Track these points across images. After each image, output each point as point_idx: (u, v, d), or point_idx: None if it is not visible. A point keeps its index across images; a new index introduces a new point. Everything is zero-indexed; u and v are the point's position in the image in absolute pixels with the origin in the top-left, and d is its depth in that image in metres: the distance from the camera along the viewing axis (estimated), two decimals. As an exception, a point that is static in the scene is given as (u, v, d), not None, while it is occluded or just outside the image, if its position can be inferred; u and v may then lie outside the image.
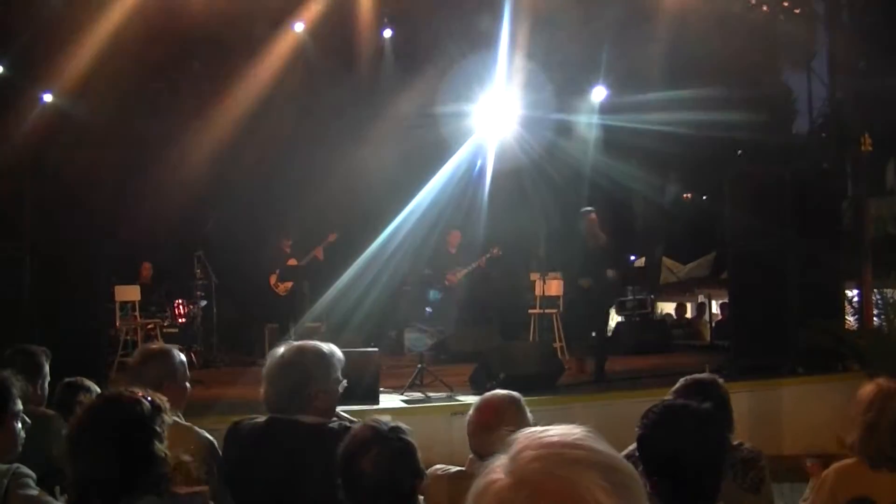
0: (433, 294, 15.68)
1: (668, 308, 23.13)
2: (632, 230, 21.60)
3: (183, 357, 4.88)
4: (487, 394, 4.37)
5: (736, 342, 13.29)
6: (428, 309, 15.64)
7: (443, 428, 9.38)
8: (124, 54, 13.97)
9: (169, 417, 3.23)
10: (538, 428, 1.53)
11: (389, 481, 3.30)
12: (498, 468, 1.45)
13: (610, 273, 12.90)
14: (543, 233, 16.29)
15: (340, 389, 4.31)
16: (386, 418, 3.49)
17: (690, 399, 3.95)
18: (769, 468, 4.66)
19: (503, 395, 4.27)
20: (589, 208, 13.40)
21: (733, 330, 13.78)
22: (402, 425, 3.47)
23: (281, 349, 4.26)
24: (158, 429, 3.10)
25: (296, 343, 4.30)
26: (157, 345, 5.20)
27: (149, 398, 3.18)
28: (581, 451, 1.44)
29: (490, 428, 4.01)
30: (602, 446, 1.47)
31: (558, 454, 1.43)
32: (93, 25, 13.41)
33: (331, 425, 4.10)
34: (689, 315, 21.77)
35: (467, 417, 4.26)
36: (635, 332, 16.66)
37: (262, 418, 4.25)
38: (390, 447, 3.34)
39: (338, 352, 4.34)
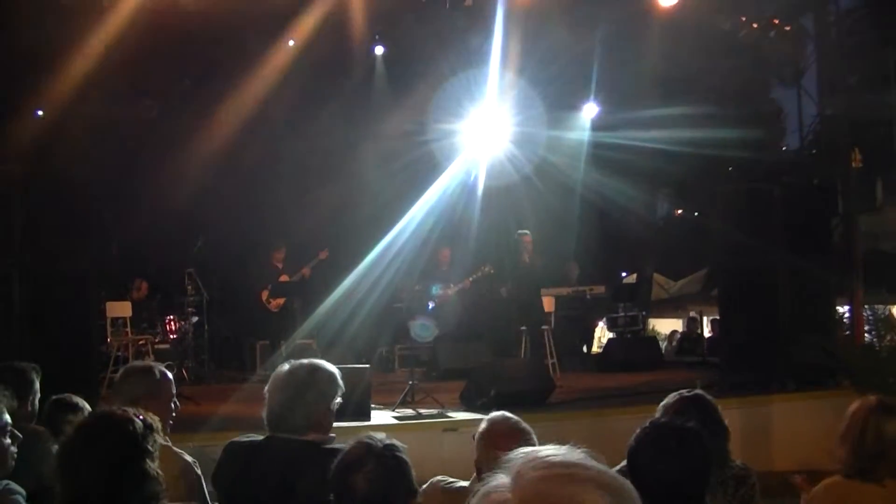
0: (434, 289, 15.65)
1: (660, 325, 23.10)
2: (623, 246, 21.64)
3: (169, 374, 4.88)
4: (500, 415, 4.34)
5: (726, 358, 13.30)
6: (430, 303, 15.61)
7: (434, 444, 9.38)
8: (115, 73, 13.98)
9: (160, 437, 3.23)
10: (535, 448, 1.54)
11: (383, 498, 3.30)
12: (500, 487, 1.46)
13: (503, 291, 14.51)
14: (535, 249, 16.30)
15: (335, 407, 4.33)
16: (381, 435, 3.50)
17: (678, 415, 3.98)
18: (759, 485, 4.67)
19: (517, 420, 4.26)
20: (524, 231, 14.55)
21: (724, 346, 13.79)
22: (397, 442, 3.47)
23: (286, 366, 4.29)
24: (150, 448, 3.10)
25: (301, 361, 4.32)
26: (141, 362, 5.20)
27: (140, 417, 3.18)
28: (583, 471, 1.47)
29: (503, 450, 3.99)
30: (602, 466, 1.49)
31: (561, 473, 1.45)
32: (83, 43, 13.41)
33: (330, 445, 4.12)
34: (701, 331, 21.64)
35: (478, 434, 4.25)
36: (626, 348, 16.66)
37: (259, 437, 4.25)
38: (384, 464, 3.34)
39: (336, 371, 4.39)
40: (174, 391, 4.84)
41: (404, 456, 3.42)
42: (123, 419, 3.13)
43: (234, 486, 4.24)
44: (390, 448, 3.41)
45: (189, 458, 4.47)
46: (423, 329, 14.97)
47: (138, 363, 5.16)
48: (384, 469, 3.32)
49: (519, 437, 4.14)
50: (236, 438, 4.42)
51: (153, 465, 3.07)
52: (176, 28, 13.74)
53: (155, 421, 3.24)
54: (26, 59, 13.08)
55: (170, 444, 4.40)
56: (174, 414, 4.80)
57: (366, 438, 3.45)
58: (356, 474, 3.30)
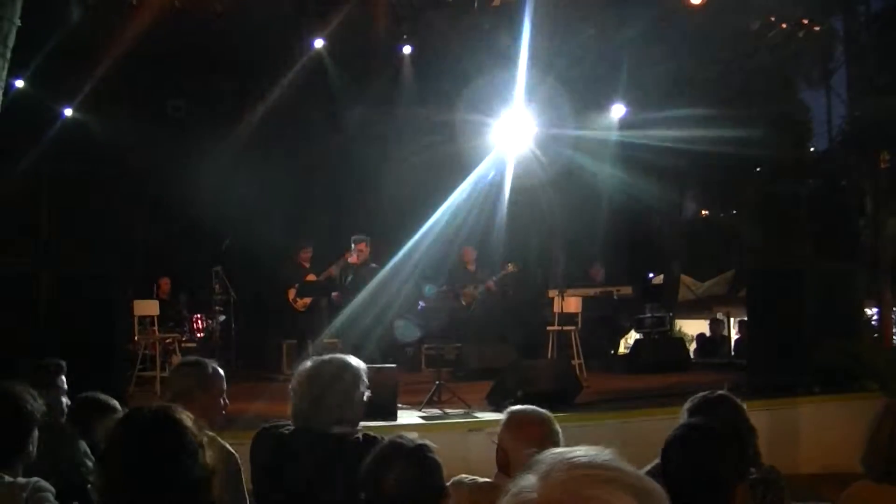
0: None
1: (686, 326, 23.02)
2: (650, 247, 21.58)
3: (220, 370, 4.91)
4: (519, 409, 4.36)
5: (753, 360, 13.25)
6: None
7: (460, 445, 9.38)
8: (144, 70, 14.04)
9: (202, 433, 3.21)
10: (563, 449, 1.56)
11: (413, 498, 3.32)
12: (528, 487, 1.48)
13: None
14: (562, 249, 16.27)
15: (365, 400, 4.36)
16: (413, 435, 3.52)
17: (704, 416, 3.99)
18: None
19: (539, 412, 4.28)
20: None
21: (750, 348, 13.74)
22: (429, 443, 3.49)
23: (309, 362, 4.30)
24: (193, 443, 3.08)
25: (324, 356, 4.33)
26: (194, 357, 5.23)
27: (181, 411, 3.17)
28: (612, 472, 1.47)
29: (525, 443, 4.01)
30: (630, 468, 1.50)
31: (590, 474, 1.46)
32: (112, 41, 13.47)
33: (356, 436, 4.14)
34: (728, 333, 21.54)
35: (499, 431, 4.27)
36: (653, 349, 16.60)
37: (290, 426, 4.27)
38: (416, 464, 3.36)
39: (362, 365, 4.42)
40: (224, 387, 4.85)
41: (435, 457, 3.44)
42: (164, 415, 3.12)
43: (264, 475, 4.27)
44: (422, 448, 3.42)
45: (233, 451, 4.49)
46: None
47: (191, 358, 5.19)
48: (415, 469, 3.34)
49: (540, 422, 4.16)
50: (267, 424, 4.44)
51: (193, 462, 3.05)
52: (204, 27, 13.79)
53: (189, 417, 3.22)
54: (55, 59, 13.14)
55: (215, 435, 4.43)
56: (223, 411, 4.82)
57: (398, 438, 3.47)
58: (387, 473, 3.31)
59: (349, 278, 14.42)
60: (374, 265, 14.01)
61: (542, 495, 1.45)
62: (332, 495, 3.98)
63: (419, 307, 15.30)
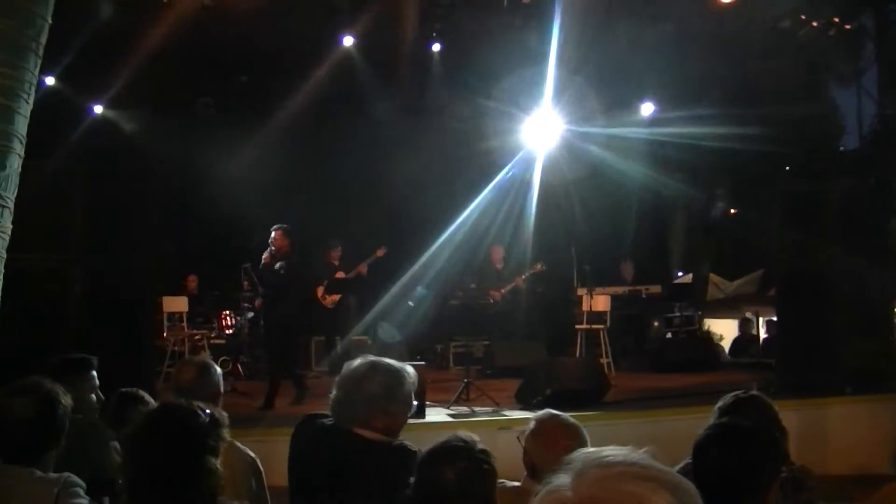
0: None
1: (715, 325, 22.90)
2: (678, 246, 21.52)
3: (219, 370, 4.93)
4: (546, 415, 4.35)
5: (783, 360, 13.20)
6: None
7: (488, 443, 9.33)
8: (173, 68, 14.08)
9: (227, 434, 3.24)
10: (596, 448, 1.56)
11: (466, 496, 3.33)
12: (562, 486, 1.48)
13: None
14: (591, 247, 16.22)
15: (409, 412, 4.33)
16: (476, 437, 3.55)
17: (735, 416, 3.98)
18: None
19: (566, 419, 4.27)
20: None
21: (780, 348, 13.70)
22: (488, 450, 3.53)
23: (356, 361, 4.27)
24: (213, 443, 3.11)
25: (371, 358, 4.30)
26: (200, 358, 5.23)
27: (207, 411, 3.19)
28: (648, 470, 1.48)
29: (552, 451, 4.01)
30: (664, 466, 1.51)
31: (624, 472, 1.47)
32: (142, 39, 13.51)
33: (388, 442, 4.12)
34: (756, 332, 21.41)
35: (528, 432, 4.27)
36: (682, 348, 16.56)
37: (330, 420, 4.27)
38: (478, 465, 3.40)
39: (411, 373, 4.35)
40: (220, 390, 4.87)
41: (494, 465, 3.47)
42: (189, 412, 3.15)
43: (297, 462, 4.31)
44: (485, 453, 3.50)
45: (252, 455, 4.51)
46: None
47: (198, 359, 5.20)
48: (476, 470, 3.38)
49: (569, 433, 4.16)
50: (312, 413, 4.46)
51: (215, 461, 3.09)
52: (233, 25, 13.82)
53: (223, 417, 3.26)
54: (84, 58, 13.18)
55: (231, 440, 4.45)
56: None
57: (464, 436, 3.48)
58: (447, 467, 3.35)
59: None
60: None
61: (578, 493, 1.46)
62: (345, 494, 3.99)
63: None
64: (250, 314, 15.58)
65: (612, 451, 1.53)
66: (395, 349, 14.64)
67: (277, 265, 12.29)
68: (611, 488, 1.44)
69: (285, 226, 12.57)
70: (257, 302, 14.77)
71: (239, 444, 4.48)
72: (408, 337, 15.39)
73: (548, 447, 4.09)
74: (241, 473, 4.30)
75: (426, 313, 15.71)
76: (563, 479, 1.49)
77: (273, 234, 12.42)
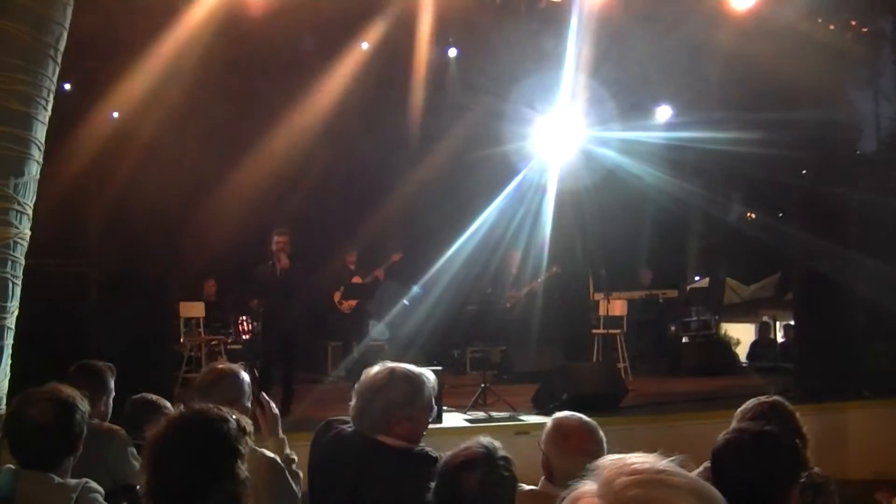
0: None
1: (732, 330, 22.85)
2: (695, 250, 21.51)
3: (247, 377, 4.92)
4: (563, 417, 4.33)
5: (801, 364, 13.17)
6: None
7: (505, 448, 9.37)
8: (190, 74, 14.11)
9: (252, 440, 3.23)
10: (621, 455, 1.56)
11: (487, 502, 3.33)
12: (588, 493, 1.48)
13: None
14: (607, 252, 16.22)
15: (430, 417, 4.32)
16: (497, 444, 3.54)
17: (756, 421, 3.97)
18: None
19: (583, 421, 4.26)
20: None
21: (798, 352, 13.66)
22: (510, 457, 3.51)
23: (375, 368, 4.26)
24: (241, 449, 3.09)
25: (389, 364, 4.28)
26: (222, 363, 5.20)
27: (234, 417, 3.18)
28: (673, 476, 1.49)
29: (569, 453, 4.00)
30: (689, 473, 1.51)
31: (652, 479, 1.47)
32: (159, 44, 13.53)
33: (408, 449, 4.11)
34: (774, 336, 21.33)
35: (546, 434, 4.26)
36: (699, 352, 16.53)
37: (350, 427, 4.27)
38: (499, 474, 3.39)
39: (431, 378, 4.33)
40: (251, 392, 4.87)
41: (515, 473, 3.46)
42: (217, 417, 3.13)
43: (316, 466, 4.32)
44: (506, 460, 3.47)
45: (271, 455, 4.50)
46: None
47: (221, 365, 5.18)
48: (498, 478, 3.37)
49: (586, 433, 4.15)
50: (331, 418, 4.45)
51: (242, 467, 3.07)
52: (250, 32, 13.84)
53: (249, 424, 3.24)
54: (102, 61, 13.21)
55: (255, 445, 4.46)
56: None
57: (486, 443, 3.48)
58: (470, 474, 3.34)
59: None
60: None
61: (606, 499, 1.45)
62: (368, 501, 3.98)
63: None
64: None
65: (639, 458, 1.53)
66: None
67: (279, 270, 12.21)
68: (640, 494, 1.44)
69: (286, 229, 12.49)
70: (253, 302, 14.78)
71: (259, 448, 4.47)
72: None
73: (565, 446, 4.10)
74: (265, 476, 4.30)
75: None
76: (589, 486, 1.50)
77: (274, 238, 12.32)
